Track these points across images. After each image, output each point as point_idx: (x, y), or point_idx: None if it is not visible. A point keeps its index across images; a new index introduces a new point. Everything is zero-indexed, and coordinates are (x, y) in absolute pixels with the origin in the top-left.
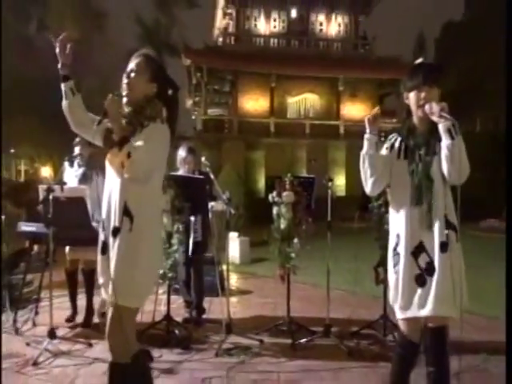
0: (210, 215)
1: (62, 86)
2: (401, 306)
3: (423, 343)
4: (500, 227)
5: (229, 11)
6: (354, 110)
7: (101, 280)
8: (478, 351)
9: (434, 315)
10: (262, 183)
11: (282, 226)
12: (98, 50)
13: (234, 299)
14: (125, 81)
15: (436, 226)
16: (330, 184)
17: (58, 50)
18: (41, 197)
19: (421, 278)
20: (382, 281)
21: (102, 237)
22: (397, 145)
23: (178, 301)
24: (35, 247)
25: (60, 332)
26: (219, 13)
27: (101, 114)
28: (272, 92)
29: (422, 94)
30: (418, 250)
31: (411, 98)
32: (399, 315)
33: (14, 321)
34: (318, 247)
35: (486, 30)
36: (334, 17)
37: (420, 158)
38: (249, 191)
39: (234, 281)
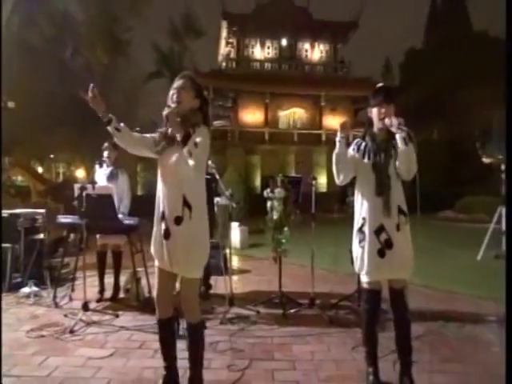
0: (215, 208)
1: (108, 128)
2: (367, 272)
3: (390, 301)
4: (453, 217)
5: (230, 40)
6: (334, 121)
7: (162, 261)
8: (436, 319)
9: (393, 278)
10: (258, 182)
11: (275, 216)
12: (123, 71)
13: (235, 277)
14: (175, 95)
15: (393, 212)
16: (314, 182)
17: (92, 104)
18: (76, 194)
19: (382, 251)
20: None
21: (163, 226)
22: (362, 148)
23: None
24: (71, 235)
25: (92, 305)
26: (222, 42)
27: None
28: (266, 107)
29: (382, 110)
30: (379, 230)
31: (374, 112)
32: (365, 279)
33: (54, 296)
34: (304, 234)
35: (440, 55)
36: (317, 45)
37: (381, 159)
38: (248, 188)
39: (235, 262)
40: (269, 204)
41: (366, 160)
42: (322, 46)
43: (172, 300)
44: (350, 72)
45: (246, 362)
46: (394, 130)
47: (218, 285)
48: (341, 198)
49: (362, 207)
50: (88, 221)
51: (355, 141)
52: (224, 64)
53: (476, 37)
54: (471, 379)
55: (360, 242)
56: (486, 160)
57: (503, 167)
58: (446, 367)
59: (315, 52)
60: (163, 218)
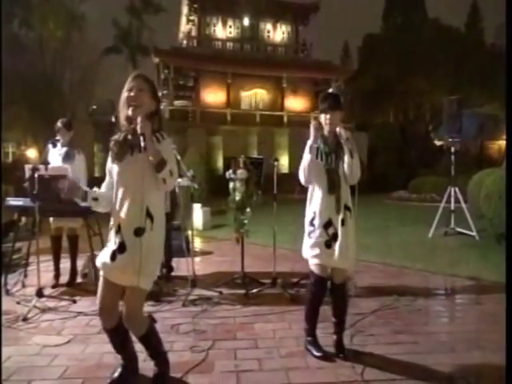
0: (177, 190)
1: (86, 203)
2: (315, 255)
3: (330, 292)
4: (406, 197)
5: (191, 18)
6: (295, 103)
7: (111, 273)
8: (390, 293)
9: (336, 266)
10: (220, 163)
11: (237, 197)
12: (78, 47)
13: (197, 259)
14: (132, 96)
15: (341, 209)
16: (275, 163)
17: (68, 196)
18: (27, 175)
19: (328, 243)
20: None
21: (118, 239)
22: (315, 147)
23: None
24: (23, 219)
25: (47, 291)
26: (183, 19)
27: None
28: (228, 87)
29: (328, 116)
30: (328, 224)
31: (322, 118)
32: (313, 262)
33: (5, 283)
34: (265, 214)
35: (397, 41)
36: (279, 26)
37: (332, 161)
38: (209, 170)
39: (197, 243)
40: (231, 185)
41: (319, 160)
42: (283, 27)
43: (117, 309)
44: (311, 54)
45: (209, 342)
46: (342, 141)
47: (180, 267)
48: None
49: (314, 202)
50: (41, 203)
51: (308, 142)
52: (185, 42)
53: (430, 24)
54: (422, 348)
55: (310, 233)
56: (437, 143)
57: (453, 149)
58: (399, 338)
59: (277, 33)
60: (118, 230)
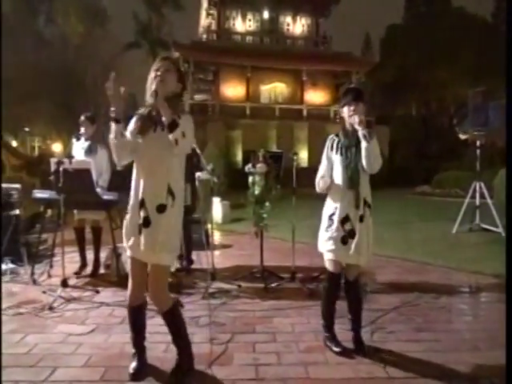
0: (196, 183)
1: (113, 126)
2: (330, 250)
3: (345, 291)
4: (429, 192)
5: (211, 12)
6: (315, 96)
7: (137, 250)
8: (412, 290)
9: (350, 263)
10: (239, 157)
11: (256, 191)
12: (100, 42)
13: (217, 252)
14: (158, 78)
15: (360, 205)
16: (295, 157)
17: (110, 93)
18: (52, 168)
19: (345, 239)
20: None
21: (142, 214)
22: (335, 144)
23: None
24: (48, 211)
25: (71, 281)
26: (203, 13)
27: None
28: (248, 81)
29: (351, 108)
30: (345, 219)
31: (345, 111)
32: (327, 257)
33: (32, 273)
34: (284, 209)
35: (419, 31)
36: (298, 19)
37: (351, 155)
38: (229, 163)
39: (217, 237)
40: (250, 179)
41: (338, 155)
42: (303, 20)
43: (144, 288)
44: (332, 47)
45: (227, 335)
46: (356, 126)
47: (200, 260)
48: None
49: (334, 197)
50: (65, 196)
51: (329, 137)
52: (205, 36)
53: (454, 13)
54: (444, 347)
55: (327, 227)
56: (462, 136)
57: (478, 143)
58: (421, 336)
59: (297, 26)
60: (142, 205)
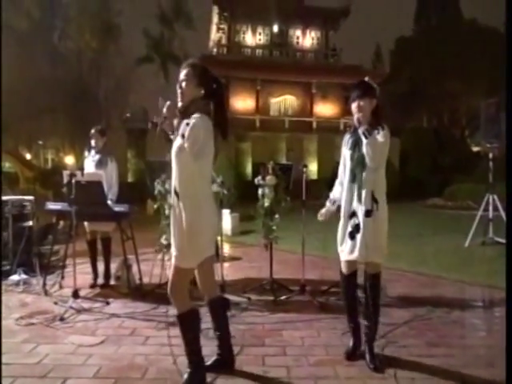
0: None
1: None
2: (340, 251)
3: (364, 282)
4: (442, 204)
5: (221, 26)
6: (325, 108)
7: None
8: (424, 304)
9: (364, 260)
10: (249, 169)
11: (266, 203)
12: (113, 57)
13: (226, 264)
14: (179, 90)
15: (364, 199)
16: (304, 169)
17: (165, 113)
18: (65, 181)
19: (351, 234)
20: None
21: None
22: (347, 139)
23: None
24: (61, 222)
25: (82, 293)
26: (213, 27)
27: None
28: (257, 94)
29: (356, 104)
30: (352, 214)
31: (352, 107)
32: (341, 257)
33: (44, 284)
34: (294, 221)
35: (430, 43)
36: (308, 32)
37: (358, 149)
38: (238, 175)
39: (226, 249)
40: (260, 191)
41: (348, 150)
42: (313, 33)
43: (186, 292)
44: (341, 59)
45: (237, 348)
46: (355, 124)
47: None
48: (331, 186)
49: (343, 194)
50: (77, 208)
51: (346, 133)
52: (215, 50)
53: (466, 25)
54: (457, 362)
55: (339, 225)
56: (474, 148)
57: (491, 155)
58: (434, 351)
59: (306, 39)
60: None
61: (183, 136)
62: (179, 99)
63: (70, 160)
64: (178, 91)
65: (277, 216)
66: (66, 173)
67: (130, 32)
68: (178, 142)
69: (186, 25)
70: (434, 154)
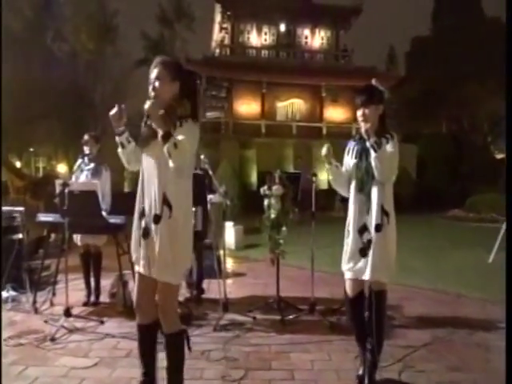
0: (208, 206)
1: (118, 138)
2: (348, 269)
3: (368, 301)
4: (463, 216)
5: (225, 26)
6: (335, 113)
7: (142, 262)
8: (444, 325)
9: (369, 279)
10: (254, 178)
11: (272, 215)
12: (110, 59)
13: (229, 281)
14: (150, 88)
15: (373, 211)
16: (314, 179)
17: (112, 116)
18: (57, 190)
19: (363, 251)
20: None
21: (142, 224)
22: (351, 148)
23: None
24: (52, 235)
25: (75, 311)
26: (216, 27)
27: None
28: (263, 97)
29: (361, 112)
30: (362, 229)
31: (357, 114)
32: (347, 276)
33: (34, 301)
34: (302, 234)
35: (449, 43)
36: (317, 31)
37: (366, 158)
38: (243, 184)
39: (229, 264)
40: (266, 202)
41: (353, 159)
42: (322, 33)
43: (153, 305)
44: (353, 61)
45: (241, 371)
46: (363, 135)
47: (212, 289)
48: (342, 196)
49: (350, 205)
50: (70, 219)
51: (349, 142)
52: (218, 51)
53: (488, 23)
54: None
55: (346, 239)
56: (497, 155)
57: None
58: (455, 376)
59: (315, 39)
60: (143, 215)
61: (166, 148)
62: (153, 98)
63: (62, 168)
64: (152, 93)
65: (284, 229)
66: (58, 182)
67: (128, 33)
68: (159, 146)
69: (188, 25)
70: (454, 162)
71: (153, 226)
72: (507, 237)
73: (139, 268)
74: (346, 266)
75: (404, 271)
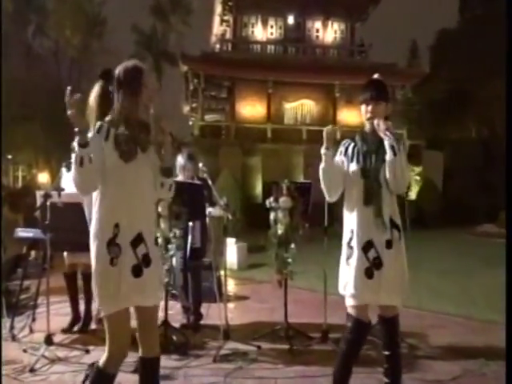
0: (207, 221)
1: (79, 151)
2: (352, 295)
3: (381, 330)
4: (495, 232)
5: (226, 18)
6: (350, 115)
7: (144, 291)
8: (476, 356)
9: (382, 304)
10: (259, 188)
11: (279, 231)
12: (98, 56)
13: (231, 305)
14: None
15: (383, 226)
16: None
17: (70, 113)
18: (38, 203)
19: (369, 271)
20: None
21: (140, 251)
22: (350, 150)
23: (175, 306)
24: (32, 253)
25: (57, 338)
26: (216, 20)
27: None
28: (269, 98)
29: (369, 108)
30: (367, 245)
31: (362, 110)
32: (350, 302)
33: (11, 327)
34: (314, 252)
35: (480, 37)
36: (330, 24)
37: (371, 163)
38: (246, 196)
39: (231, 286)
40: (272, 215)
41: (354, 164)
42: (336, 25)
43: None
44: (370, 57)
45: None
46: (381, 134)
47: (211, 314)
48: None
49: (350, 218)
50: (53, 235)
51: (343, 142)
52: (218, 46)
53: None
54: None
55: (348, 258)
56: None
57: None
58: None
59: (328, 32)
60: (140, 241)
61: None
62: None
63: (44, 177)
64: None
65: (293, 246)
66: (39, 193)
67: (117, 26)
68: (145, 158)
69: (184, 17)
70: (485, 171)
71: (155, 251)
72: (507, 246)
73: (127, 303)
74: (351, 290)
75: (430, 295)
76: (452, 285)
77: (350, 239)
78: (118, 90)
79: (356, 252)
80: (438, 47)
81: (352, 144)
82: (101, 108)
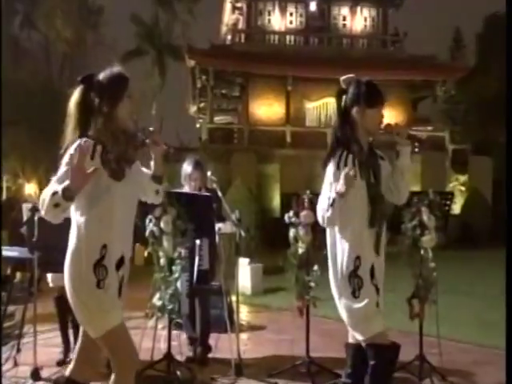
0: (217, 238)
1: (64, 202)
2: (374, 323)
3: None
4: None
5: (238, 5)
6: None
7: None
8: None
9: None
10: (276, 201)
11: (300, 250)
12: (94, 50)
13: (244, 335)
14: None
15: (382, 248)
16: None
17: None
18: (25, 217)
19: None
20: (418, 315)
21: (121, 273)
22: (349, 162)
23: (180, 337)
24: (18, 275)
25: (45, 372)
26: (228, 7)
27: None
28: (288, 96)
29: (382, 113)
30: (372, 271)
31: (370, 113)
32: (374, 330)
33: None
34: None
35: None
36: (359, 10)
37: (375, 178)
38: (261, 210)
39: (244, 314)
40: (292, 232)
41: (358, 179)
42: (366, 12)
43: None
44: (406, 47)
45: None
46: (398, 140)
47: (221, 346)
48: (393, 224)
49: (354, 242)
50: (41, 254)
51: (337, 153)
52: (229, 38)
53: None
54: None
55: (356, 290)
56: None
57: None
58: None
59: (357, 20)
60: (122, 262)
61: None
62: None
63: (31, 189)
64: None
65: (315, 268)
66: (26, 206)
67: (114, 16)
68: (132, 176)
69: (190, 5)
70: None
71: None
72: (507, 251)
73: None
74: (369, 322)
75: (479, 327)
76: (502, 314)
77: (357, 268)
78: (100, 98)
79: (367, 283)
80: (486, 36)
81: (345, 153)
82: (81, 116)
